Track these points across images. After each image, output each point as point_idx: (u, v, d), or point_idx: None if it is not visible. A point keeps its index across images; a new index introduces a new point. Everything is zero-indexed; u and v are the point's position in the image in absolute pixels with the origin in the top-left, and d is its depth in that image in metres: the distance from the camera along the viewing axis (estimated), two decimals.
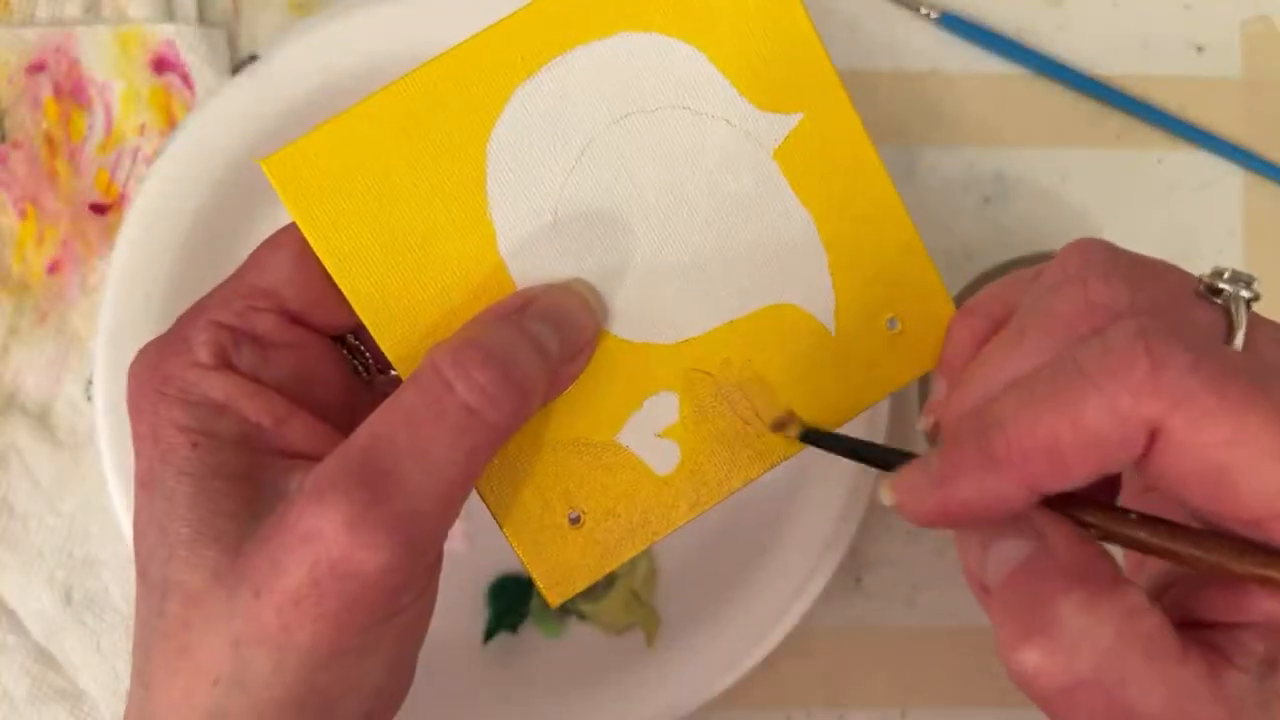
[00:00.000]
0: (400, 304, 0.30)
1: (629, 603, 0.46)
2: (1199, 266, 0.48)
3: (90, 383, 0.47)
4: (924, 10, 0.48)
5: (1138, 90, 0.49)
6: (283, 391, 0.30)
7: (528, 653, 0.47)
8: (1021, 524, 0.25)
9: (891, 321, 0.33)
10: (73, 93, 0.47)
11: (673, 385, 0.32)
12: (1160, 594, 0.27)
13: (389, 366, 0.31)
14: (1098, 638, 0.23)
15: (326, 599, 0.26)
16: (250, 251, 0.30)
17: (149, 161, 0.47)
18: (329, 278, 0.30)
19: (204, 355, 0.29)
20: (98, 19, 0.48)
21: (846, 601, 0.48)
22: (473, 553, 0.47)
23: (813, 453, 0.44)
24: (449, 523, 0.28)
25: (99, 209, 0.47)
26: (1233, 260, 0.49)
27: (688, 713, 0.45)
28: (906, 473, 0.27)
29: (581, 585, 0.32)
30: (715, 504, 0.32)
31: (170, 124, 0.47)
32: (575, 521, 0.32)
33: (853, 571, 0.48)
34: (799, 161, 0.32)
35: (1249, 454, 0.22)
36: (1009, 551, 0.25)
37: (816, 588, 0.45)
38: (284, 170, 0.29)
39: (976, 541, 0.26)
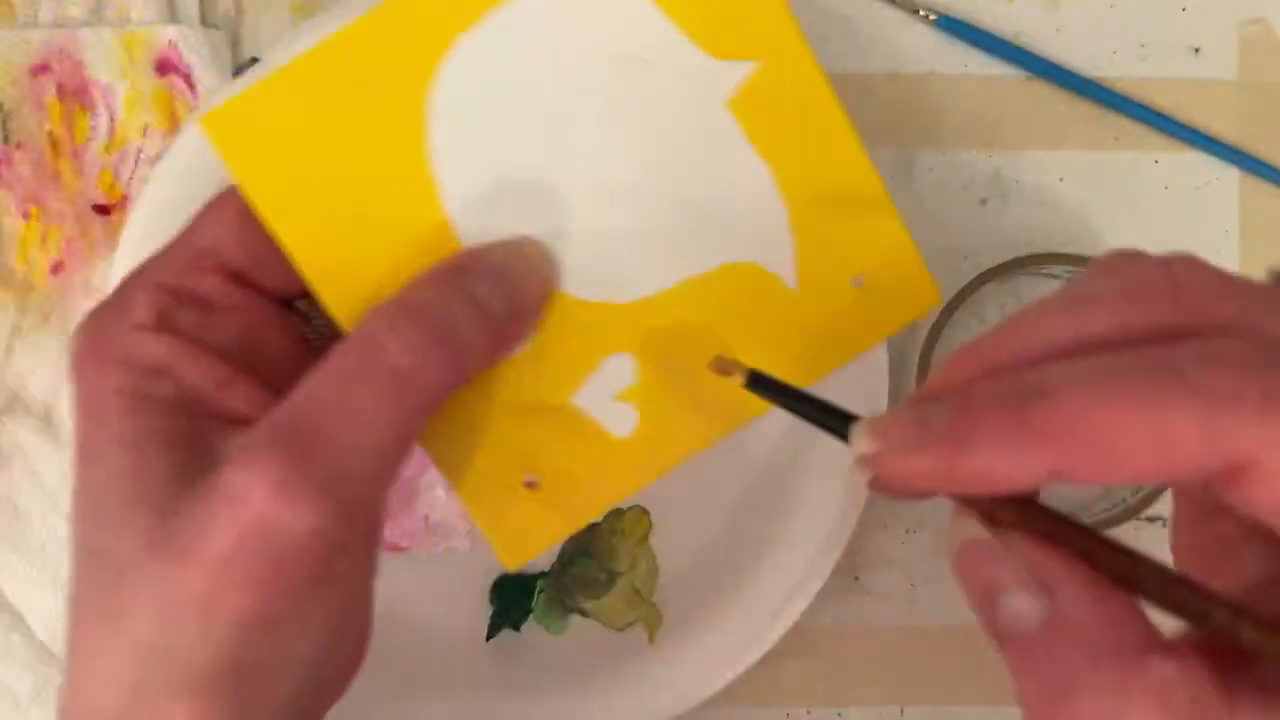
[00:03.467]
0: (344, 263, 0.29)
1: (631, 600, 0.47)
2: None
3: None
4: (922, 12, 0.48)
5: (1135, 92, 0.49)
6: (227, 355, 0.28)
7: (530, 650, 0.47)
8: (1029, 573, 0.22)
9: (857, 279, 0.31)
10: (76, 94, 0.47)
11: (629, 346, 0.30)
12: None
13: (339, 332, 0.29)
14: None
15: (254, 563, 0.25)
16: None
17: (152, 162, 0.47)
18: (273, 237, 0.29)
19: (143, 316, 0.28)
20: (101, 21, 0.48)
21: (845, 599, 0.48)
22: (475, 551, 0.47)
23: (812, 451, 0.44)
24: (384, 485, 0.27)
25: (102, 209, 0.48)
26: (1229, 260, 0.49)
27: (689, 709, 0.45)
28: (892, 420, 0.23)
29: (539, 549, 0.31)
30: (674, 467, 0.31)
31: (173, 125, 0.48)
32: (532, 485, 0.30)
33: (851, 570, 0.48)
34: (755, 112, 0.30)
35: None
36: (1020, 610, 0.22)
37: (815, 586, 0.45)
38: (222, 126, 0.28)
39: (981, 585, 0.23)
